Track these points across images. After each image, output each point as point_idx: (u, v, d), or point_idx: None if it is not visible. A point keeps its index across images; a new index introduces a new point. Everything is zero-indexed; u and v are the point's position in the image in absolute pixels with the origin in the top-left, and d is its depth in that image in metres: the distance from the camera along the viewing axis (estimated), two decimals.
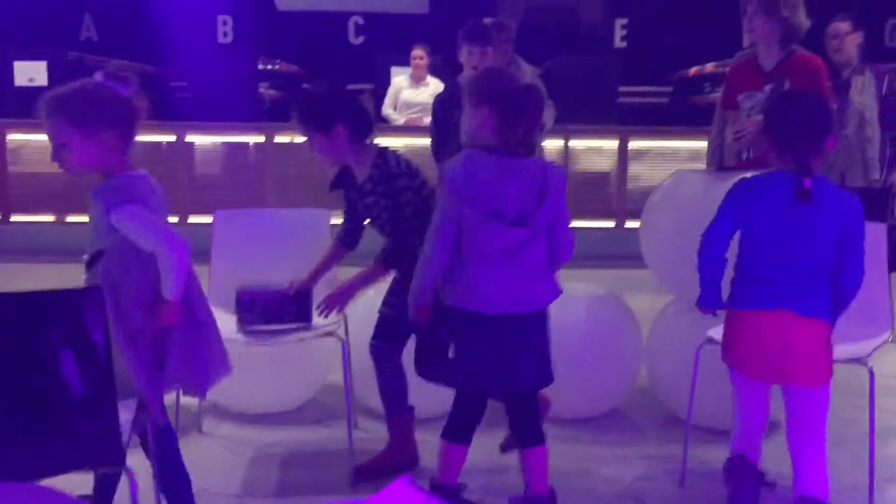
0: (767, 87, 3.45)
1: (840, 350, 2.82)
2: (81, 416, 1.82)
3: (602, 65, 8.60)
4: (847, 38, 4.71)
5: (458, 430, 2.59)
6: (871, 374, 2.69)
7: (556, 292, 2.50)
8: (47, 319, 1.82)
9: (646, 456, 3.20)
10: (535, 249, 2.42)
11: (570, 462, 3.09)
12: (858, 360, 2.74)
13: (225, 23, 11.14)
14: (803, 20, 3.42)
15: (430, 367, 2.58)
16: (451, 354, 2.49)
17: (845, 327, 2.94)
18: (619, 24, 10.41)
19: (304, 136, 2.90)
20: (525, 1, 10.83)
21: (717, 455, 3.21)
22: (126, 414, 1.99)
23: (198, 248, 7.60)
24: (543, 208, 2.40)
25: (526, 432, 2.58)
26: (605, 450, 3.25)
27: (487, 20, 4.51)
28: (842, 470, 3.10)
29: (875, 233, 3.03)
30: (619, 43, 10.40)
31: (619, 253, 5.63)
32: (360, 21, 11.33)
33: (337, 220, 3.41)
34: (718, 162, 3.68)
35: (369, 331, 3.30)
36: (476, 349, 2.47)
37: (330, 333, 3.01)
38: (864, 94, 4.72)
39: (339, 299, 2.93)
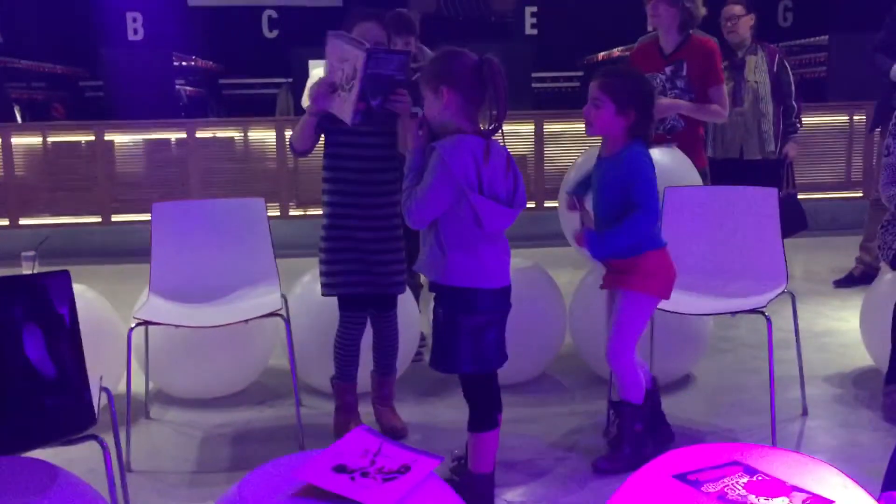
0: (668, 69, 3.75)
1: (741, 302, 3.13)
2: (52, 393, 1.93)
3: (514, 52, 8.86)
4: (741, 20, 5.03)
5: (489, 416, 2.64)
6: (769, 321, 2.98)
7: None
8: (11, 300, 1.90)
9: (574, 413, 3.45)
10: None
11: (506, 424, 3.31)
12: (757, 311, 3.02)
13: (135, 20, 11.00)
14: (701, 9, 3.75)
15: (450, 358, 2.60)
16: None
17: (745, 282, 3.25)
18: (529, 12, 10.72)
19: None
20: None
21: None
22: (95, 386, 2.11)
23: (123, 246, 7.59)
24: (519, 186, 2.51)
25: (491, 412, 2.63)
26: (537, 409, 3.49)
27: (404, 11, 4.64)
28: (747, 411, 3.42)
29: (768, 197, 3.35)
30: (529, 30, 10.70)
31: (541, 232, 5.90)
32: (274, 15, 11.35)
33: (273, 211, 3.55)
34: None
35: (310, 311, 3.48)
36: (492, 327, 2.57)
37: (273, 314, 3.15)
38: (757, 72, 5.06)
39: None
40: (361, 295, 3.11)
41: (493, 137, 2.50)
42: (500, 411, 2.67)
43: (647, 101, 2.80)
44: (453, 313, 2.55)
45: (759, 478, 1.58)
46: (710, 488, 1.54)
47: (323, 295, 3.13)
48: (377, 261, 3.07)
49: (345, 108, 2.83)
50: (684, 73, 3.75)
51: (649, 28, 4.27)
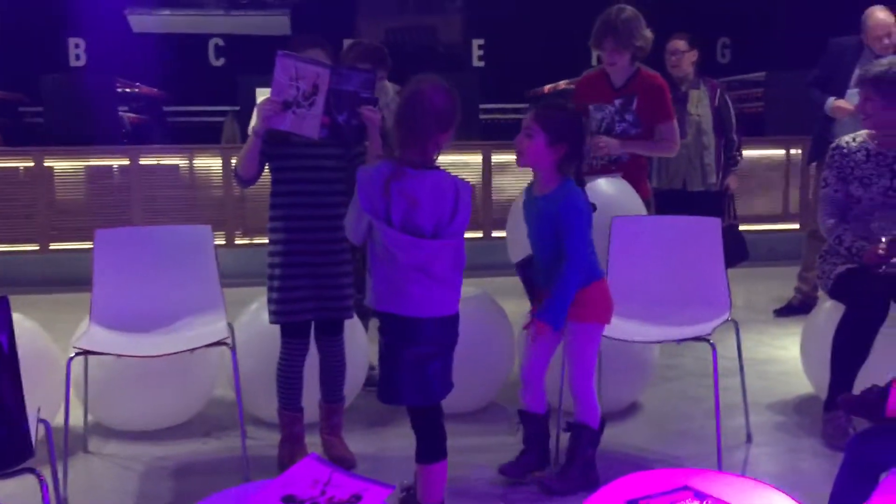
0: (617, 102, 3.82)
1: (687, 330, 3.18)
2: None
3: (462, 83, 8.93)
4: (685, 55, 5.17)
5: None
6: (714, 348, 3.03)
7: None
8: None
9: (519, 442, 3.44)
10: (444, 257, 2.49)
11: (456, 454, 3.29)
12: (701, 339, 3.07)
13: (77, 45, 10.84)
14: (649, 40, 3.83)
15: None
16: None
17: (690, 310, 3.30)
18: (476, 44, 10.86)
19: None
20: (385, 21, 11.10)
21: None
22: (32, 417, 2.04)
23: (61, 275, 7.40)
24: (457, 218, 2.47)
25: (437, 445, 2.60)
26: (486, 438, 3.48)
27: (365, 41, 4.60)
28: (693, 439, 3.46)
29: (711, 226, 3.42)
30: (476, 62, 10.84)
31: (487, 262, 5.93)
32: (221, 43, 11.30)
33: (219, 239, 3.50)
34: None
35: (256, 341, 3.42)
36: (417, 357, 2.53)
37: (219, 342, 3.10)
38: (699, 106, 5.19)
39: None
40: (310, 321, 3.08)
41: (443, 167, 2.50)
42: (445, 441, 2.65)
43: (579, 137, 2.82)
44: (394, 342, 2.52)
45: (709, 502, 1.59)
46: None
47: (271, 323, 3.09)
48: (331, 284, 3.06)
49: (305, 124, 2.84)
50: (633, 107, 3.82)
51: (593, 62, 4.35)
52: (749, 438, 3.43)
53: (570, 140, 2.78)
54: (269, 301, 3.08)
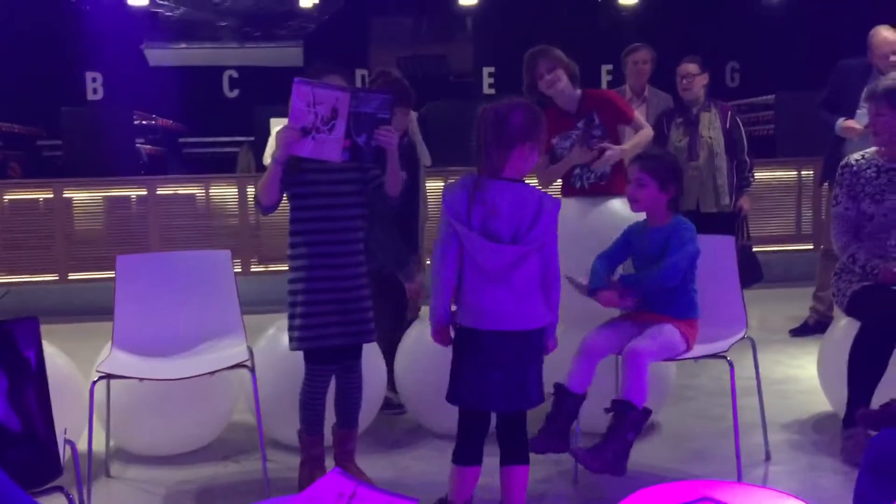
0: (580, 125, 3.86)
1: (703, 348, 3.19)
2: (17, 443, 1.90)
3: (473, 110, 9.02)
4: (696, 79, 5.21)
5: (469, 452, 2.72)
6: (731, 366, 3.04)
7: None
8: None
9: (538, 461, 3.44)
10: (528, 268, 2.63)
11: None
12: (719, 356, 3.08)
13: (94, 79, 11.01)
14: (574, 66, 3.90)
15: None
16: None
17: (706, 329, 3.31)
18: (487, 72, 10.96)
19: None
20: (396, 50, 11.23)
21: None
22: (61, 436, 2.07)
23: (80, 305, 7.46)
24: (536, 227, 2.60)
25: (515, 450, 2.72)
26: None
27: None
28: (711, 457, 3.46)
29: (725, 244, 3.44)
30: (487, 90, 10.93)
31: None
32: (235, 75, 11.45)
33: (235, 267, 3.54)
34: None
35: (275, 365, 3.45)
36: (481, 367, 2.64)
37: (239, 365, 3.13)
38: (711, 128, 5.23)
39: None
40: (335, 347, 3.09)
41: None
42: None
43: (682, 176, 3.25)
44: (458, 346, 2.70)
45: None
46: None
47: (293, 349, 3.09)
48: (353, 308, 3.07)
49: (326, 148, 2.87)
50: (597, 121, 3.86)
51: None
52: (768, 456, 3.42)
53: (676, 181, 3.15)
54: (291, 328, 3.07)
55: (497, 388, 2.64)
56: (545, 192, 2.68)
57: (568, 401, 2.97)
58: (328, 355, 3.10)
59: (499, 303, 2.61)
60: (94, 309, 6.10)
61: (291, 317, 3.07)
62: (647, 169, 3.13)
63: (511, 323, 2.62)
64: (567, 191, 3.90)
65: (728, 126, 5.25)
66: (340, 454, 3.26)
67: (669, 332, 3.02)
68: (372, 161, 3.03)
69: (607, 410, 2.94)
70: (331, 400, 3.22)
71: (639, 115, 4.12)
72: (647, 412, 2.95)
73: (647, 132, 4.02)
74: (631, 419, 2.89)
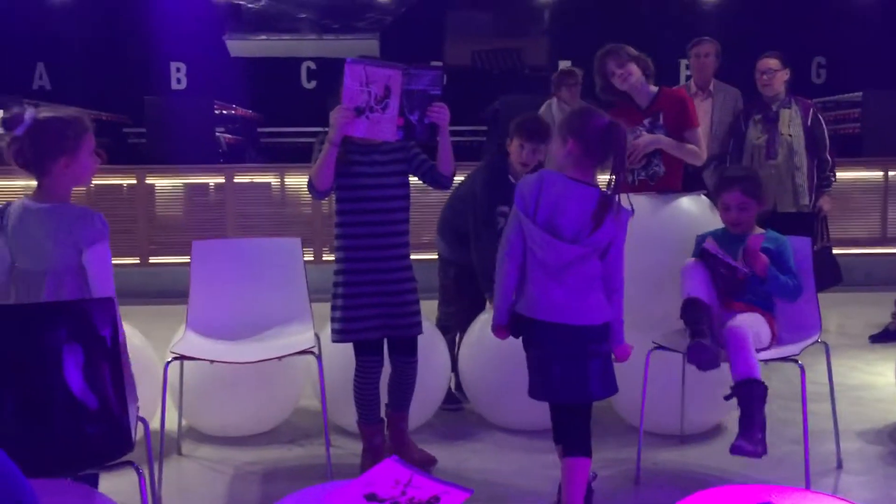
0: (646, 121, 3.81)
1: (775, 351, 3.12)
2: (93, 418, 1.98)
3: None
4: (776, 74, 5.05)
5: (567, 442, 2.73)
6: (802, 369, 2.96)
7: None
8: (54, 326, 1.97)
9: (604, 461, 3.41)
10: (587, 268, 2.63)
11: (525, 467, 3.31)
12: (790, 359, 3.00)
13: (178, 69, 11.33)
14: (644, 55, 3.84)
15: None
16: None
17: (780, 331, 3.23)
18: (563, 67, 10.87)
19: None
20: (472, 44, 11.23)
21: (667, 456, 3.47)
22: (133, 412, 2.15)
23: (159, 287, 7.66)
24: (599, 231, 2.60)
25: (576, 442, 2.71)
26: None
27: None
28: (779, 463, 3.37)
29: (801, 245, 3.35)
30: None
31: None
32: (312, 66, 11.62)
33: (306, 255, 3.60)
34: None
35: (341, 351, 3.50)
36: (541, 360, 2.70)
37: (306, 351, 3.19)
38: (791, 125, 5.06)
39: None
40: (380, 339, 3.11)
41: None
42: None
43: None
44: (525, 342, 2.77)
45: None
46: None
47: (333, 342, 3.12)
48: (396, 302, 3.08)
49: (380, 127, 2.88)
50: (661, 122, 3.82)
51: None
52: (840, 465, 3.32)
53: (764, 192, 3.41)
54: (333, 320, 3.11)
55: (555, 381, 2.68)
56: (617, 199, 2.63)
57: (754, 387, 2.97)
58: (376, 347, 3.12)
59: (552, 297, 2.63)
60: (172, 292, 6.28)
61: (333, 308, 3.10)
62: (750, 193, 3.29)
63: (562, 316, 2.63)
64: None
65: (809, 123, 5.08)
66: (394, 434, 3.30)
67: (760, 321, 3.12)
68: (426, 138, 3.01)
69: (727, 398, 2.98)
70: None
71: (699, 133, 3.97)
72: (765, 385, 2.97)
73: (700, 155, 3.92)
74: (758, 393, 2.93)
